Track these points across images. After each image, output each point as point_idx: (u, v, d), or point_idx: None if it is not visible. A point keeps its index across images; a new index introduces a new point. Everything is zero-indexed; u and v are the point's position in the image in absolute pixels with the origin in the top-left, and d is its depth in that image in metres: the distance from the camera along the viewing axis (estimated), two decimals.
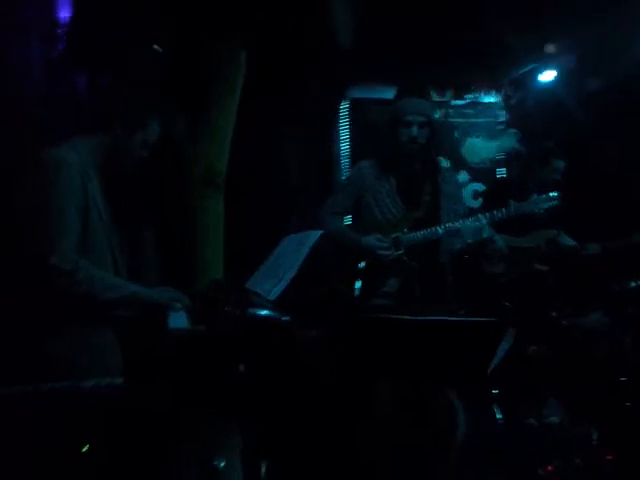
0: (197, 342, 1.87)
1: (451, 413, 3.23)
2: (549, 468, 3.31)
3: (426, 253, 2.77)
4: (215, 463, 2.32)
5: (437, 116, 3.90)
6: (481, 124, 4.98)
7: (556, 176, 4.11)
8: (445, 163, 4.15)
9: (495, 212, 2.84)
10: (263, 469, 2.57)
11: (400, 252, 2.72)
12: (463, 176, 4.86)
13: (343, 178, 4.32)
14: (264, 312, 1.99)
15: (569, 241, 4.20)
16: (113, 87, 2.72)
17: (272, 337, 1.91)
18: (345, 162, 4.69)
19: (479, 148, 4.92)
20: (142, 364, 2.02)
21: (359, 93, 4.83)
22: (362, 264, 2.71)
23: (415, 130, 2.78)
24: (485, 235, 2.71)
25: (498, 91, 5.10)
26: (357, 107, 4.81)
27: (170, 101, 3.75)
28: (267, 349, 1.90)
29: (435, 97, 4.94)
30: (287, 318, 1.97)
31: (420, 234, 2.77)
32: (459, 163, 4.88)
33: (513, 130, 5.06)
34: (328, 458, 2.56)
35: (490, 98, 5.09)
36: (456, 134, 4.93)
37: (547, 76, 4.82)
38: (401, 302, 2.69)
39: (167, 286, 2.42)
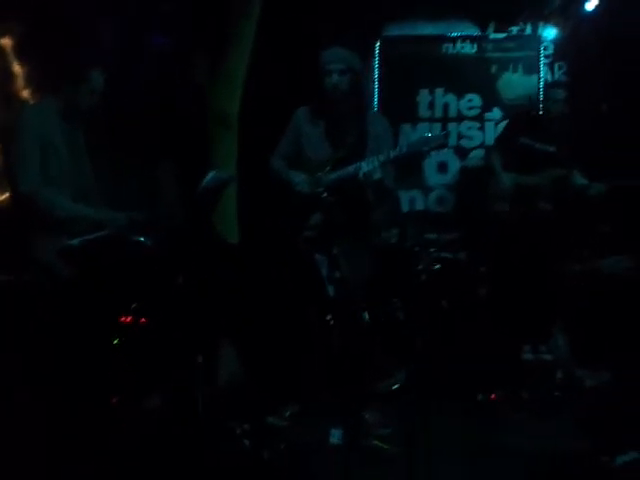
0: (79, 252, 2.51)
1: None
2: (492, 396, 3.43)
3: (351, 190, 2.97)
4: None
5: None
6: (522, 58, 4.77)
7: (556, 107, 3.97)
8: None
9: (390, 151, 2.92)
10: None
11: (320, 190, 2.95)
12: (495, 113, 4.76)
13: None
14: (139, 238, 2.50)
15: (580, 180, 4.04)
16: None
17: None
18: (375, 100, 4.79)
19: (516, 83, 4.73)
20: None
21: (392, 30, 4.85)
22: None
23: (335, 77, 2.96)
24: (376, 176, 2.86)
25: (547, 22, 4.85)
26: (387, 45, 4.78)
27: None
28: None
29: (472, 31, 4.84)
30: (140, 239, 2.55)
31: (336, 173, 2.97)
32: (493, 100, 4.77)
33: (559, 63, 4.83)
34: None
35: (537, 30, 4.86)
36: (493, 69, 4.80)
37: (591, 4, 4.51)
38: (323, 234, 2.94)
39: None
